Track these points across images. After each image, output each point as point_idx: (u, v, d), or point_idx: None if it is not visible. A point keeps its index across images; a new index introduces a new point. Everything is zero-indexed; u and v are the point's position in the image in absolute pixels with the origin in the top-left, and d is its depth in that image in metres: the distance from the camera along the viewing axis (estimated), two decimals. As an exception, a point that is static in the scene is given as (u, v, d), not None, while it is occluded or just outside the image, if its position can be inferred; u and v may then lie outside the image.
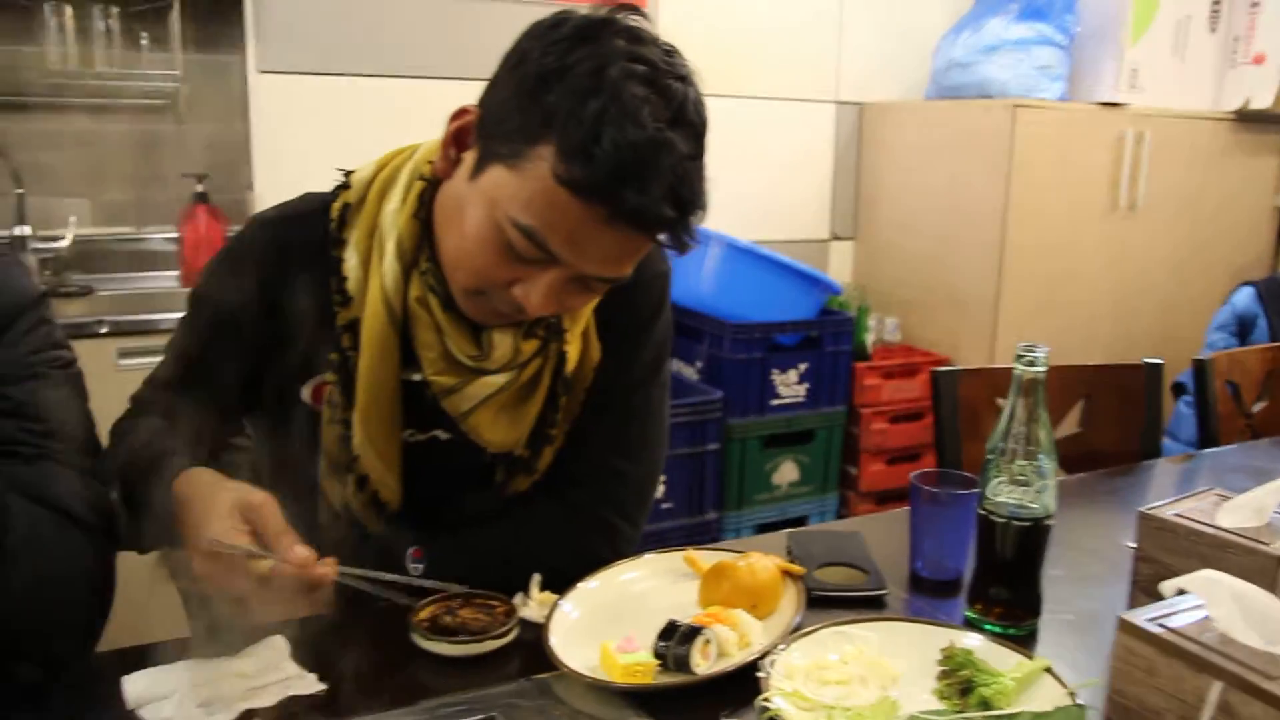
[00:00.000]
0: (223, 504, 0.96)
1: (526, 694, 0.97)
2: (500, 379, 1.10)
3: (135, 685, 0.96)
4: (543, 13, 0.99)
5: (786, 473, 3.10)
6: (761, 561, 1.10)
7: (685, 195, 0.95)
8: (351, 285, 1.10)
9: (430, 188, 1.08)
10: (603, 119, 0.90)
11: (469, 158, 1.01)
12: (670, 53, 0.97)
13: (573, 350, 1.13)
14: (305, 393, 1.15)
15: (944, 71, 3.34)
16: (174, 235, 2.66)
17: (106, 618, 1.02)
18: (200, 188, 2.59)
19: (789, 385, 3.04)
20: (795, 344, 3.05)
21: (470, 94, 1.05)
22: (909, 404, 3.23)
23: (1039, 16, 3.17)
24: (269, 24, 2.58)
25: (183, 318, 1.18)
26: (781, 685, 0.91)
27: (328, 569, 0.95)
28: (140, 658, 1.00)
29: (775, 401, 3.03)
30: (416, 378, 1.11)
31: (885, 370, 3.20)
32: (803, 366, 3.05)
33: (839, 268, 3.61)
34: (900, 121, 3.46)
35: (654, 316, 1.20)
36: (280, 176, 2.58)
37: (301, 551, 0.93)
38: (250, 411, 1.23)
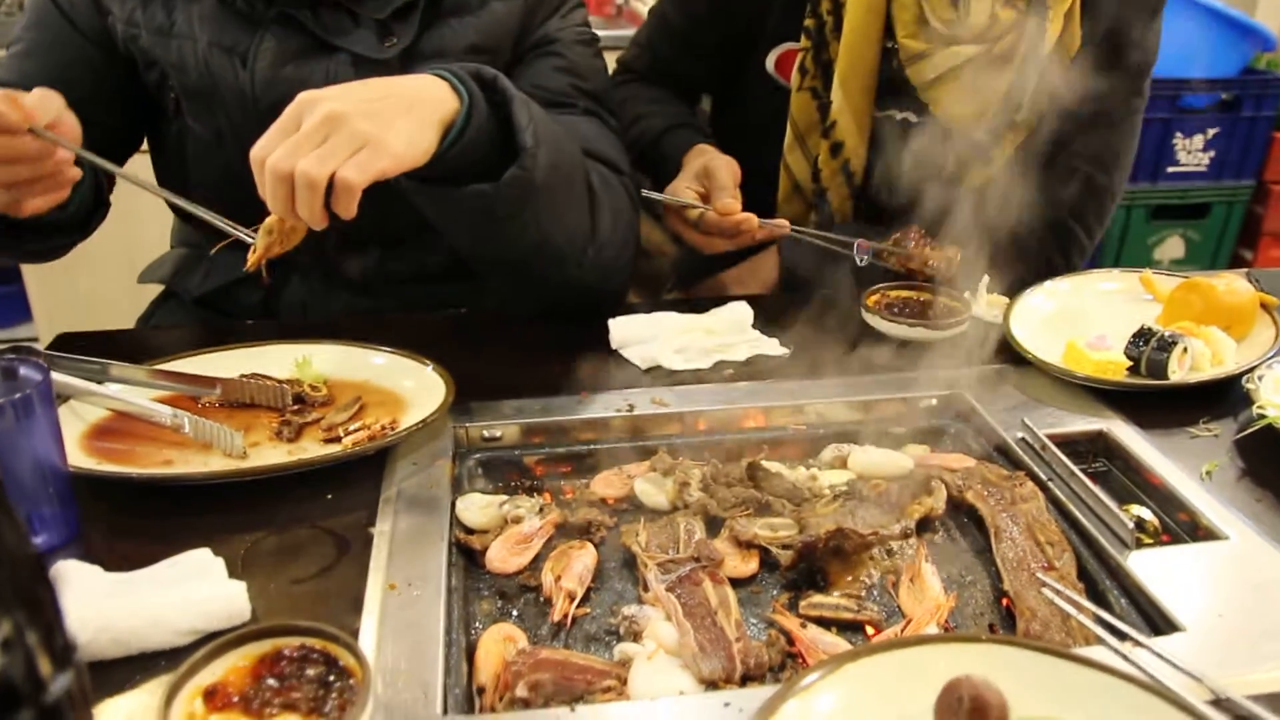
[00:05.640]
0: (691, 167, 1.10)
1: (981, 378, 0.98)
2: (970, 49, 1.07)
3: (620, 329, 1.06)
4: None
5: (1171, 248, 2.86)
6: (1240, 283, 1.03)
7: None
8: None
9: None
10: None
11: None
12: None
13: (1053, 29, 1.07)
14: (770, 62, 1.17)
15: None
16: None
17: (634, 259, 1.12)
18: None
19: (1191, 152, 2.74)
20: (1205, 106, 2.72)
21: None
22: (1332, 184, 2.84)
23: None
24: None
25: None
26: (1273, 399, 0.87)
27: (750, 219, 1.07)
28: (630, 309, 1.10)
29: (1172, 169, 2.75)
30: (890, 45, 1.11)
31: (1310, 142, 2.81)
32: (1211, 132, 2.72)
33: (1267, 19, 3.11)
34: None
35: (1148, 21, 1.10)
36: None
37: (729, 202, 1.06)
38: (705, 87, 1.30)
